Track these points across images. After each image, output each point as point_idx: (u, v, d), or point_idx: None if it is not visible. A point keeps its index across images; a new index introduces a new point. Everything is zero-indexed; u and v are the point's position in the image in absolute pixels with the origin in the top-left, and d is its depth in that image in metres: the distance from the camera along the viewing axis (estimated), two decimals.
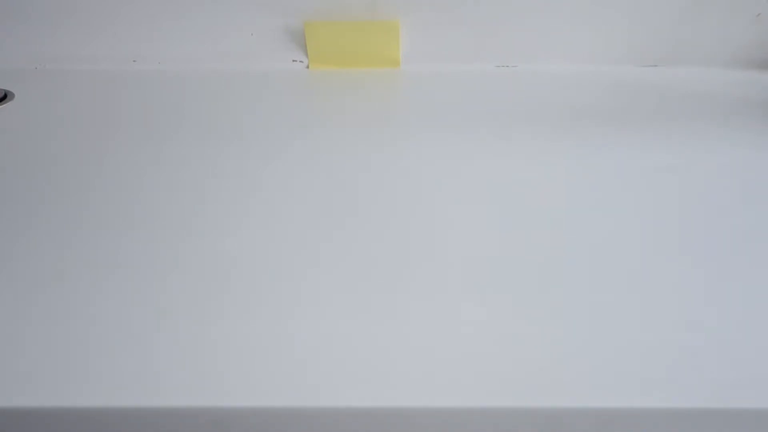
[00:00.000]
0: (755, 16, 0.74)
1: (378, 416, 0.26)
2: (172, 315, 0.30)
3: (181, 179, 0.45)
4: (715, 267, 0.35)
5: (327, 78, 0.74)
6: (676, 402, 0.26)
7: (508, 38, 0.76)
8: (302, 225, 0.39)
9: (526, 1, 0.73)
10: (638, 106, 0.64)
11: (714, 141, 0.53)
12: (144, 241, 0.37)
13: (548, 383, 0.26)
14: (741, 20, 0.74)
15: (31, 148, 0.52)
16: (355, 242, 0.37)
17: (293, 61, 0.77)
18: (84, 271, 0.34)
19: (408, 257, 0.35)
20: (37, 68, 0.76)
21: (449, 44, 0.76)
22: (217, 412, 0.26)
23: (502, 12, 0.74)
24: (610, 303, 0.32)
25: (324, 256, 0.36)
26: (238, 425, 0.26)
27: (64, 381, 0.26)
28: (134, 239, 0.37)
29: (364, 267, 0.34)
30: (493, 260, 0.35)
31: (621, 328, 0.30)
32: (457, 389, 0.26)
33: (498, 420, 0.26)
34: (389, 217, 0.40)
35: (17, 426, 0.26)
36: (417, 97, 0.68)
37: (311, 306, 0.31)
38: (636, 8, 0.74)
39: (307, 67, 0.77)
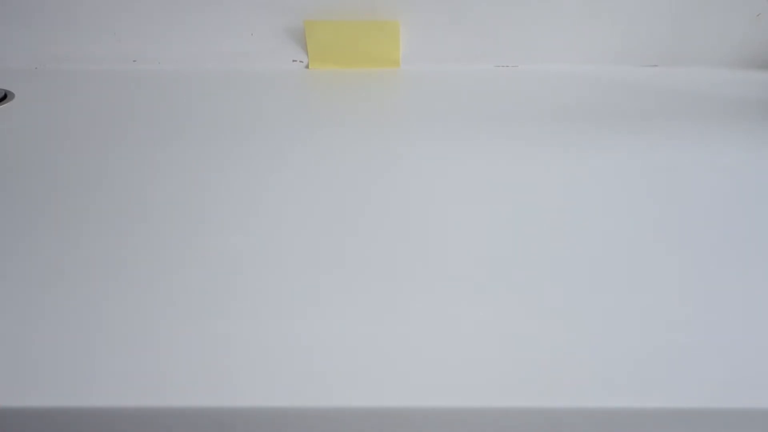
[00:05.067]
0: (755, 16, 0.74)
1: (378, 416, 0.26)
2: (175, 315, 0.30)
3: (181, 179, 0.45)
4: (715, 267, 0.35)
5: (327, 78, 0.74)
6: (676, 402, 0.26)
7: (508, 38, 0.76)
8: (302, 225, 0.39)
9: (526, 1, 0.73)
10: (638, 106, 0.64)
11: (714, 141, 0.53)
12: (145, 240, 0.37)
13: (548, 383, 0.26)
14: (741, 20, 0.74)
15: (31, 148, 0.52)
16: (355, 242, 0.37)
17: (293, 60, 0.77)
18: (85, 271, 0.34)
19: (407, 257, 0.35)
20: (37, 68, 0.76)
21: (449, 44, 0.76)
22: (221, 412, 0.26)
23: (502, 12, 0.74)
24: (609, 303, 0.32)
25: (323, 255, 0.36)
26: (242, 425, 0.26)
27: (68, 381, 0.26)
28: (135, 239, 0.37)
29: (364, 266, 0.34)
30: (493, 260, 0.35)
31: (621, 328, 0.30)
32: (457, 389, 0.26)
33: (498, 420, 0.26)
34: (389, 216, 0.40)
35: (21, 426, 0.26)
36: (417, 97, 0.68)
37: (312, 305, 0.31)
38: (636, 8, 0.74)
39: (307, 66, 0.77)
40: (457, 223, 0.39)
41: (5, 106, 0.62)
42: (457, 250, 0.36)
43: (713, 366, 0.27)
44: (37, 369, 0.27)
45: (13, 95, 0.65)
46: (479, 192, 0.44)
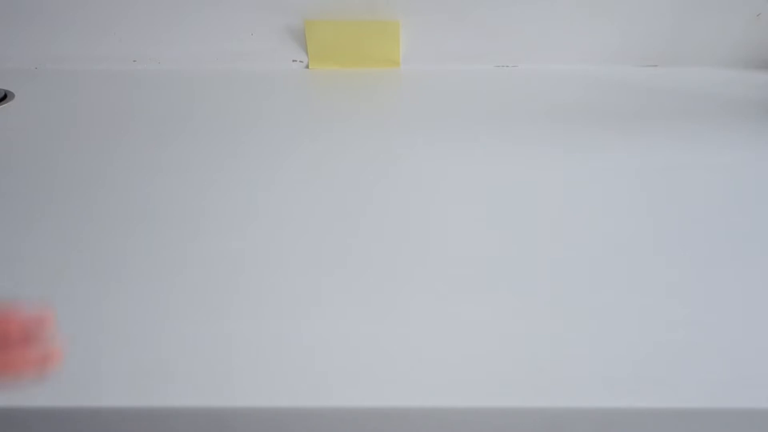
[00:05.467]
0: (755, 16, 0.74)
1: (378, 416, 0.26)
2: (175, 315, 0.30)
3: (181, 178, 0.45)
4: (715, 267, 0.35)
5: (327, 78, 0.74)
6: (676, 402, 0.26)
7: (508, 38, 0.76)
8: (301, 224, 0.39)
9: (526, 1, 0.73)
10: (638, 106, 0.64)
11: (713, 141, 0.53)
12: (145, 240, 0.37)
13: (548, 383, 0.26)
14: (741, 20, 0.74)
15: (31, 148, 0.52)
16: (355, 241, 0.37)
17: (293, 60, 0.77)
18: (85, 270, 0.34)
19: (408, 257, 0.35)
20: (37, 68, 0.76)
21: (449, 44, 0.76)
22: (221, 412, 0.26)
23: (502, 12, 0.74)
24: (609, 303, 0.32)
25: (323, 255, 0.35)
26: (242, 425, 0.26)
27: (69, 381, 0.26)
28: (135, 239, 0.37)
29: (364, 267, 0.34)
30: (493, 260, 0.35)
31: (621, 329, 0.30)
32: (457, 389, 0.26)
33: (498, 420, 0.26)
34: (389, 216, 0.40)
35: (21, 426, 0.26)
36: (417, 97, 0.68)
37: (313, 305, 0.31)
38: (636, 8, 0.74)
39: (307, 66, 0.77)
40: (457, 223, 0.39)
41: (5, 106, 0.62)
42: (458, 250, 0.36)
43: (713, 366, 0.27)
44: None
45: (13, 95, 0.65)
46: (479, 192, 0.44)
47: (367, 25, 0.75)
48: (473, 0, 0.73)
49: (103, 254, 0.35)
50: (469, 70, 0.76)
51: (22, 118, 0.59)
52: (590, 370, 0.27)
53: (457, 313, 0.31)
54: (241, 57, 0.76)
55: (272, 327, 0.30)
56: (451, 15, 0.74)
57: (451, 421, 0.26)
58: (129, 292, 0.32)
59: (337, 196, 0.43)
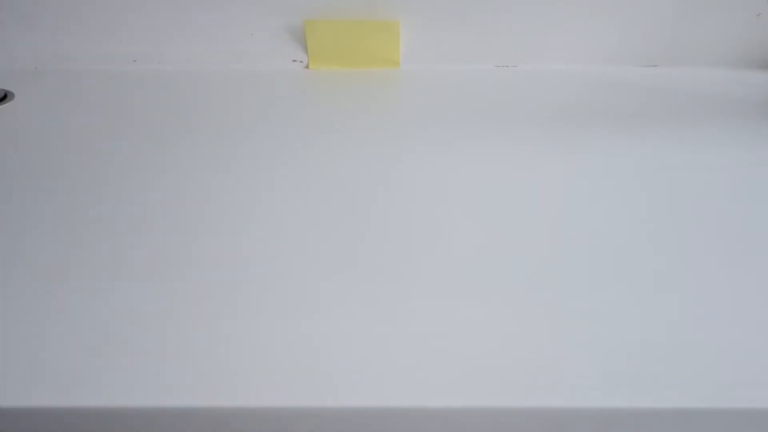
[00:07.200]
0: (755, 16, 0.74)
1: (378, 416, 0.26)
2: (175, 316, 0.30)
3: (181, 179, 0.45)
4: (714, 267, 0.35)
5: (327, 78, 0.74)
6: (676, 402, 0.26)
7: (508, 38, 0.76)
8: (301, 225, 0.39)
9: (526, 1, 0.73)
10: (638, 106, 0.64)
11: (714, 141, 0.53)
12: (145, 240, 0.37)
13: (548, 383, 0.26)
14: (741, 20, 0.74)
15: (31, 148, 0.52)
16: (355, 242, 0.37)
17: (293, 60, 0.77)
18: (85, 271, 0.34)
19: (408, 257, 0.35)
20: (37, 68, 0.76)
21: (449, 44, 0.76)
22: (220, 412, 0.26)
23: (502, 12, 0.74)
24: (609, 303, 0.32)
25: (323, 255, 0.35)
26: (241, 425, 0.26)
27: (69, 381, 0.26)
28: (135, 239, 0.37)
29: (365, 267, 0.34)
30: (493, 260, 0.35)
31: (621, 328, 0.30)
32: (457, 389, 0.26)
33: (498, 420, 0.26)
34: (389, 217, 0.40)
35: (21, 426, 0.26)
36: (417, 97, 0.68)
37: (311, 306, 0.31)
38: (636, 8, 0.74)
39: (307, 66, 0.77)
40: (458, 223, 0.39)
41: (5, 106, 0.62)
42: (458, 250, 0.36)
43: (713, 366, 0.27)
44: (38, 369, 0.27)
45: (13, 95, 0.65)
46: (479, 192, 0.44)
47: (367, 25, 0.75)
48: (473, 0, 0.73)
49: (103, 254, 0.35)
50: (469, 70, 0.76)
51: (22, 118, 0.59)
52: (590, 370, 0.27)
53: (456, 313, 0.31)
54: (241, 57, 0.77)
55: (273, 327, 0.30)
56: (451, 15, 0.74)
57: (450, 421, 0.26)
58: (130, 293, 0.32)
59: (337, 196, 0.43)
